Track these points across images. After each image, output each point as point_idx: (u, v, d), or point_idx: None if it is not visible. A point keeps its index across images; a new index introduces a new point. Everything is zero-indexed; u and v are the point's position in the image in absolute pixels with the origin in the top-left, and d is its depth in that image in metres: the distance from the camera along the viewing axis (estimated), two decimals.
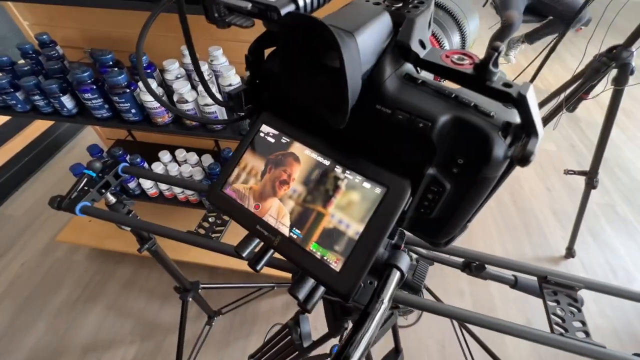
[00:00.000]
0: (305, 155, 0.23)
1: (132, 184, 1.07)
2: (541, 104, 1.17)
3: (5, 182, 1.55)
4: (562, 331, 0.39)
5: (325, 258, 0.22)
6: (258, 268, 0.27)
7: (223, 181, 0.26)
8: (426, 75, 0.21)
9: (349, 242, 0.21)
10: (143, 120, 0.78)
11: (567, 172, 1.19)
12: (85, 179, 0.50)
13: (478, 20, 0.32)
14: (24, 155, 1.60)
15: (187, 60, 0.79)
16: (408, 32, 0.19)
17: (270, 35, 0.22)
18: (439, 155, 0.19)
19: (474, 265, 0.49)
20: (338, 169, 0.22)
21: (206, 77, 0.76)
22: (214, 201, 0.26)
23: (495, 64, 0.17)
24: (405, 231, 0.31)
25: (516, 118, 0.18)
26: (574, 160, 1.90)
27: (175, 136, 1.25)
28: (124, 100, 0.72)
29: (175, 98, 0.72)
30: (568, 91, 0.93)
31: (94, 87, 0.72)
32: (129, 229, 0.57)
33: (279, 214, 0.23)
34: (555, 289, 0.43)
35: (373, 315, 0.25)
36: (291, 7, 0.18)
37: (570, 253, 1.39)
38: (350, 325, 0.57)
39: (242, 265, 1.23)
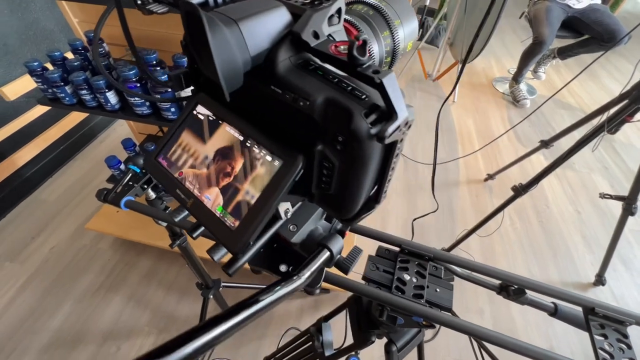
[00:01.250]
0: (225, 132, 0.26)
1: None
2: (579, 123, 1.12)
3: (41, 168, 1.63)
4: None
5: (225, 219, 0.25)
6: (194, 235, 0.30)
7: (158, 151, 0.29)
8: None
9: (246, 207, 0.24)
10: None
11: (603, 195, 1.14)
12: (130, 174, 0.52)
13: (416, 24, 0.34)
14: (59, 143, 1.68)
15: None
16: (303, 24, 0.22)
17: None
18: (324, 133, 0.22)
19: (512, 289, 0.48)
20: (249, 143, 0.25)
21: None
22: (147, 167, 0.30)
23: (360, 52, 0.19)
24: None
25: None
26: (607, 183, 1.82)
27: None
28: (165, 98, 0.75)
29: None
30: (611, 112, 0.89)
31: (138, 84, 0.75)
32: (165, 224, 0.59)
33: (195, 180, 0.27)
34: (603, 322, 0.41)
35: (287, 284, 0.27)
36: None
37: (600, 280, 1.33)
38: (375, 339, 0.56)
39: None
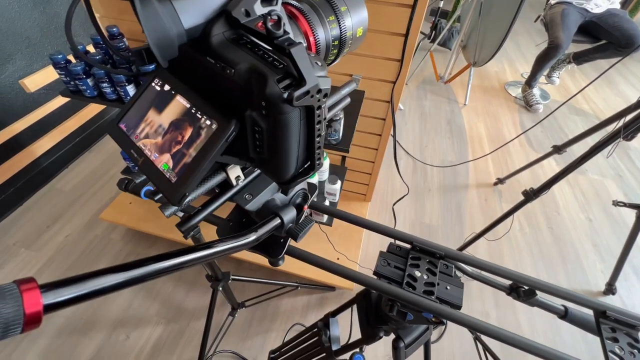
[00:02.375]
0: (178, 102, 0.29)
1: None
2: (594, 129, 1.11)
3: (58, 158, 1.67)
4: None
5: (168, 175, 0.28)
6: (156, 199, 0.35)
7: (120, 117, 0.32)
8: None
9: (185, 164, 0.27)
10: None
11: (617, 203, 1.12)
12: None
13: (365, 12, 0.35)
14: (76, 135, 1.73)
15: None
16: (235, 3, 0.25)
17: None
18: (250, 99, 0.24)
19: (523, 290, 0.48)
20: (194, 111, 0.27)
21: None
22: (110, 132, 0.32)
23: (276, 27, 0.22)
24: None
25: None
26: (621, 191, 1.79)
27: None
28: None
29: None
30: (628, 118, 0.88)
31: None
32: (181, 213, 0.60)
33: (148, 142, 0.30)
34: (614, 326, 0.41)
35: (236, 239, 0.30)
36: None
37: (610, 289, 1.31)
38: (383, 335, 0.56)
39: (266, 261, 1.26)
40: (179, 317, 1.21)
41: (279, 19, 0.23)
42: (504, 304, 1.27)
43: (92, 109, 1.76)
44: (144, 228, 1.35)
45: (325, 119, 0.27)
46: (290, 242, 0.43)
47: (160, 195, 0.34)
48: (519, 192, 1.21)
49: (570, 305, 0.48)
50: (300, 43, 0.22)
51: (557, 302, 0.49)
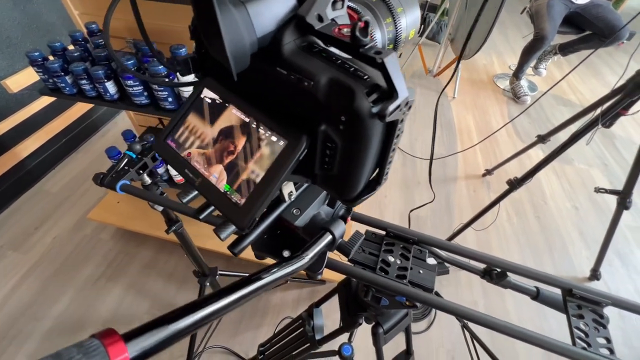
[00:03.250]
0: (231, 113, 0.27)
1: (160, 170, 1.12)
2: (575, 118, 1.12)
3: (45, 159, 1.65)
4: (585, 345, 0.39)
5: (233, 197, 0.26)
6: (201, 217, 0.31)
7: (167, 133, 0.30)
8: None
9: (252, 185, 0.25)
10: (177, 109, 0.82)
11: (598, 190, 1.15)
12: (126, 160, 0.53)
13: (418, 12, 0.34)
14: (63, 135, 1.71)
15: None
16: (307, 8, 0.23)
17: None
18: (327, 113, 0.22)
19: (495, 273, 0.49)
20: (254, 124, 0.26)
21: None
22: (158, 149, 0.30)
23: (363, 33, 0.20)
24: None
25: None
26: (606, 179, 1.82)
27: None
28: (162, 88, 0.76)
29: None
30: (605, 106, 0.89)
31: None
32: (160, 209, 0.60)
33: (203, 160, 0.28)
34: (580, 304, 0.42)
35: (292, 263, 0.29)
36: None
37: (595, 275, 1.33)
38: (363, 321, 0.57)
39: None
40: None
41: (367, 24, 0.20)
42: (492, 293, 1.29)
43: (78, 109, 1.74)
44: (133, 227, 1.34)
45: (402, 131, 0.24)
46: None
47: (206, 213, 0.31)
48: (505, 182, 1.23)
49: (542, 286, 0.49)
50: (392, 51, 0.20)
51: (530, 284, 0.51)
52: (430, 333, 1.19)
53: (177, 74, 0.69)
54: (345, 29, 0.22)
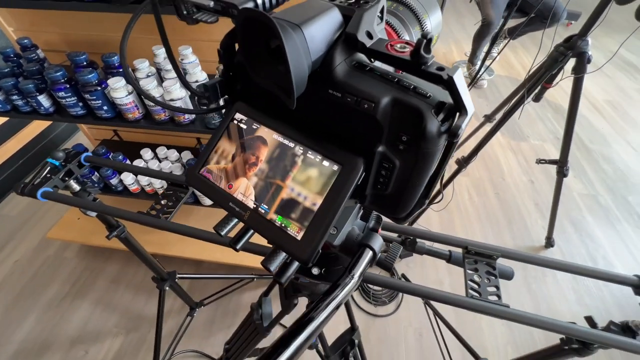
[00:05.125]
0: (272, 139, 0.25)
1: (114, 180, 1.11)
2: (512, 95, 1.19)
3: (1, 183, 1.60)
4: (477, 295, 0.42)
5: (288, 229, 0.24)
6: (238, 247, 0.29)
7: (201, 164, 0.28)
8: (383, 66, 0.23)
9: (309, 214, 0.23)
10: (116, 117, 0.82)
11: (539, 161, 1.22)
12: (48, 167, 0.54)
13: (440, 16, 0.34)
14: (19, 156, 1.66)
15: (158, 59, 0.84)
16: (356, 25, 0.22)
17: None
18: (386, 134, 0.22)
19: (409, 241, 0.52)
20: (300, 149, 0.24)
21: (173, 75, 0.81)
22: (192, 182, 0.28)
23: (427, 50, 0.19)
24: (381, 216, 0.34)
25: (449, 98, 0.20)
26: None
27: (160, 135, 1.30)
28: (95, 97, 0.77)
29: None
30: (530, 82, 0.96)
31: (68, 86, 0.77)
32: (94, 214, 0.61)
33: (247, 191, 0.26)
34: (476, 259, 0.46)
35: (343, 286, 0.28)
36: (250, 4, 0.20)
37: (549, 242, 1.41)
38: (298, 300, 0.60)
39: (226, 258, 1.27)
40: (140, 325, 1.20)
41: (430, 40, 0.19)
42: (457, 272, 1.35)
43: (33, 129, 1.70)
44: (97, 242, 1.32)
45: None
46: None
47: (243, 242, 0.29)
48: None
49: (453, 249, 0.53)
50: (457, 67, 0.19)
51: (445, 249, 0.54)
52: (399, 314, 1.23)
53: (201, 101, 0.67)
54: (398, 45, 0.21)
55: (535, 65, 0.99)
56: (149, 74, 0.80)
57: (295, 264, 0.27)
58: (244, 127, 0.26)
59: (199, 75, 0.78)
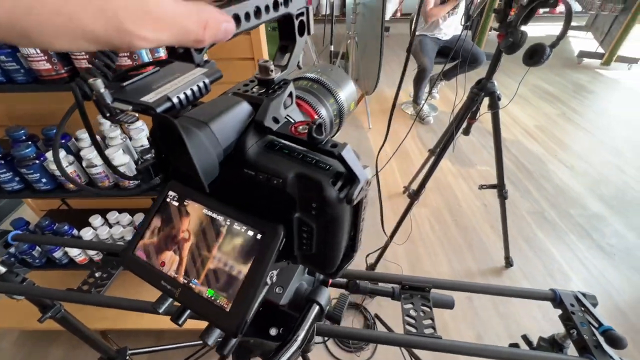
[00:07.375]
0: (201, 214, 0.27)
1: (57, 254, 1.04)
2: (447, 131, 1.32)
3: None
4: (413, 330, 0.43)
5: (218, 302, 0.25)
6: (180, 322, 0.29)
7: (134, 244, 0.28)
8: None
9: (236, 283, 0.24)
10: (56, 188, 0.80)
11: (481, 187, 1.32)
12: None
13: (352, 87, 0.39)
14: None
15: (102, 127, 0.85)
16: (263, 113, 0.25)
17: None
18: (299, 203, 0.24)
19: (351, 283, 0.54)
20: (227, 221, 0.26)
21: (120, 140, 0.82)
22: (125, 264, 0.28)
23: (318, 132, 0.23)
24: None
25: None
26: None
27: (113, 200, 1.26)
28: (32, 171, 0.75)
29: (84, 164, 0.76)
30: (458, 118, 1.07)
31: (2, 162, 0.75)
32: (21, 297, 0.57)
33: (178, 266, 0.27)
34: (411, 293, 0.48)
35: (288, 347, 0.28)
36: (167, 105, 0.22)
37: (508, 262, 1.47)
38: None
39: (188, 323, 1.18)
40: None
41: (320, 125, 0.23)
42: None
43: None
44: (38, 325, 1.18)
45: (367, 203, 0.26)
46: None
47: (185, 316, 0.29)
48: (426, 196, 1.34)
49: (396, 286, 0.55)
50: (345, 144, 0.22)
51: (389, 287, 0.56)
52: (377, 357, 1.19)
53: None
54: (300, 127, 0.25)
55: (457, 104, 1.12)
56: (91, 144, 0.81)
57: (237, 339, 0.27)
58: (176, 204, 0.28)
59: (143, 140, 0.80)
